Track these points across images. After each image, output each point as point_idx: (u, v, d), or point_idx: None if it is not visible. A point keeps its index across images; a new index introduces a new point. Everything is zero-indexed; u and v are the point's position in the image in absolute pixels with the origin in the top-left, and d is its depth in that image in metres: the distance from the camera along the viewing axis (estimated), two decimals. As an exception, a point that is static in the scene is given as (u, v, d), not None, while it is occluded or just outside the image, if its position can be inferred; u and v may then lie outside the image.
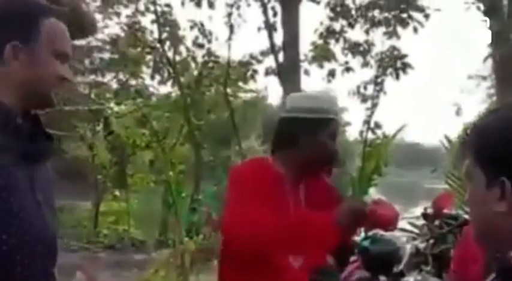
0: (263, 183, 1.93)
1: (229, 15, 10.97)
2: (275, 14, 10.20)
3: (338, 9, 11.13)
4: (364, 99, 11.17)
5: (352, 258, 3.00)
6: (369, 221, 1.84)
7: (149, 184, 12.21)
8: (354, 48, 11.21)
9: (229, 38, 11.09)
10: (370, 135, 10.75)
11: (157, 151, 9.80)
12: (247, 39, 11.77)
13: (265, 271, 1.85)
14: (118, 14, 11.36)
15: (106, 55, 13.73)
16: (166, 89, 12.67)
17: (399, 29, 10.69)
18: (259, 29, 10.55)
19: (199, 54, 11.75)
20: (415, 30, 10.56)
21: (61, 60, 1.37)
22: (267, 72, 11.25)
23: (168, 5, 11.14)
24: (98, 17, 11.28)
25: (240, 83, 13.39)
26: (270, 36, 10.01)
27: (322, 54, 11.21)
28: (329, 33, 11.25)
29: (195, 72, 12.29)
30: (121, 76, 12.97)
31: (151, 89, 13.33)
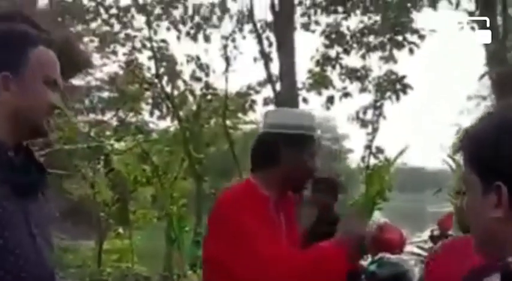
0: (256, 210, 1.83)
1: (225, 47, 11.08)
2: (270, 44, 10.30)
3: (333, 36, 11.24)
4: (364, 124, 11.19)
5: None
6: (375, 245, 1.78)
7: (152, 220, 12.13)
8: (351, 73, 11.28)
9: (226, 70, 11.18)
10: (372, 161, 10.73)
11: (158, 186, 9.76)
12: (244, 70, 11.86)
13: None
14: (115, 53, 11.47)
15: (105, 94, 13.84)
16: (166, 123, 12.72)
17: (395, 52, 10.78)
18: (255, 59, 10.65)
19: (197, 87, 11.83)
20: (411, 51, 10.63)
21: (51, 88, 1.36)
22: (266, 102, 11.30)
23: (164, 41, 11.26)
24: (96, 56, 11.43)
25: (239, 114, 13.43)
26: (267, 66, 10.08)
27: (319, 81, 11.27)
28: (325, 60, 11.33)
29: (194, 106, 12.35)
30: (120, 113, 13.03)
31: (151, 125, 13.39)
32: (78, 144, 9.79)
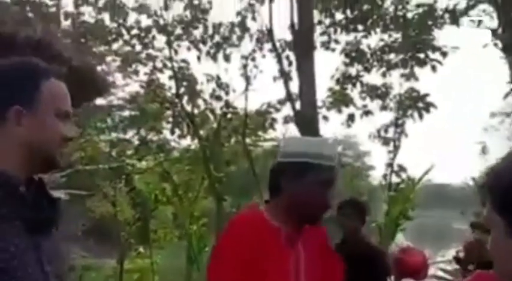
0: (256, 244, 1.75)
1: (245, 66, 11.14)
2: (290, 63, 10.32)
3: (353, 54, 11.22)
4: (385, 142, 11.10)
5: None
6: (398, 268, 1.73)
7: (173, 239, 12.11)
8: (372, 91, 11.22)
9: (246, 89, 11.22)
10: (394, 179, 10.61)
11: (178, 204, 9.75)
12: (264, 88, 11.88)
13: None
14: (137, 72, 11.59)
15: (126, 112, 13.98)
16: (186, 142, 12.76)
17: (417, 69, 10.71)
18: (274, 78, 10.67)
19: (217, 106, 11.87)
20: (434, 68, 10.55)
21: (63, 120, 1.35)
22: (286, 121, 11.27)
23: (184, 61, 11.35)
24: (118, 76, 11.57)
25: (260, 132, 13.42)
26: (286, 85, 10.08)
27: (339, 99, 11.23)
28: (345, 79, 11.30)
29: (214, 125, 12.38)
30: (142, 132, 13.13)
31: (172, 143, 13.44)
32: (99, 164, 9.87)
